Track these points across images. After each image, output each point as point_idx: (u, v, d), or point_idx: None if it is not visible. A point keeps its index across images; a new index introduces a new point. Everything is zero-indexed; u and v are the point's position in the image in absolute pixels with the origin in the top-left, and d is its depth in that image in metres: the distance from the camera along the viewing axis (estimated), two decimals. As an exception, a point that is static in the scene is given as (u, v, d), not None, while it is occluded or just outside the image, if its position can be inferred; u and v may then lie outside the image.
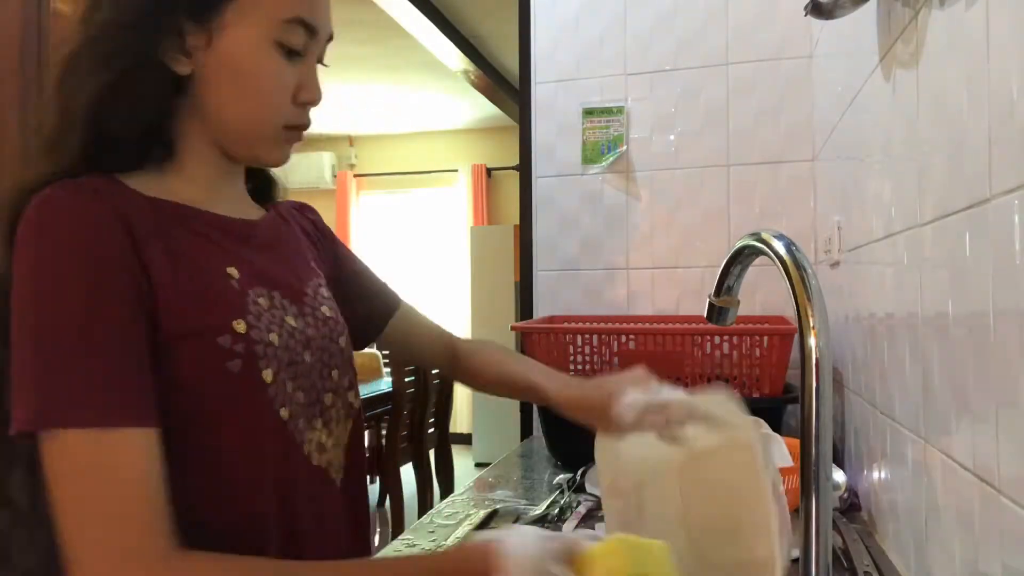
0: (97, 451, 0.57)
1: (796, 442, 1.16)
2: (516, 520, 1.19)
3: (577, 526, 1.17)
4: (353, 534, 0.81)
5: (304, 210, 0.91)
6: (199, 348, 0.65)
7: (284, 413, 0.70)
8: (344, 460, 0.80)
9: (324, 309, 0.80)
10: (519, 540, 0.58)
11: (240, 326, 0.68)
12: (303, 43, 0.71)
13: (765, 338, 1.46)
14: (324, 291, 0.83)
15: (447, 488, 4.14)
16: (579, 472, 1.35)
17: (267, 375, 0.69)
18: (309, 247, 0.87)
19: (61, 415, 0.58)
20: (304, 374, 0.74)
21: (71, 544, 0.57)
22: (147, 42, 0.67)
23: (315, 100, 0.74)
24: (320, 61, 0.76)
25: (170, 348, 0.64)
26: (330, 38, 0.76)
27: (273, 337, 0.70)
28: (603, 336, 1.57)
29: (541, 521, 1.20)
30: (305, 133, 0.76)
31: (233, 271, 0.71)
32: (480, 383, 1.02)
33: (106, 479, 0.57)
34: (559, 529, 1.17)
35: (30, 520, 0.69)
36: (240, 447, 0.68)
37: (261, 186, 0.86)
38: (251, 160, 0.77)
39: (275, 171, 0.87)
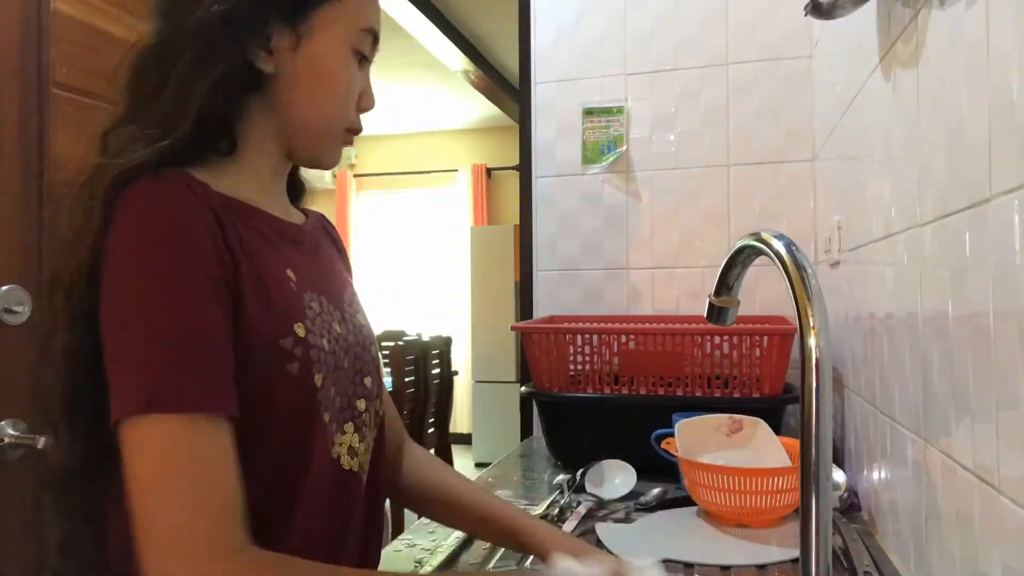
0: (189, 437, 0.58)
1: (796, 442, 1.17)
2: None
3: (576, 526, 1.17)
4: (369, 537, 0.82)
5: (329, 225, 0.92)
6: (265, 348, 0.66)
7: (327, 417, 0.72)
8: (370, 465, 0.81)
9: (359, 317, 0.82)
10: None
11: (300, 329, 0.69)
12: (370, 51, 0.76)
13: (765, 338, 1.46)
14: (357, 300, 0.85)
15: (447, 488, 4.13)
16: (579, 472, 1.34)
17: (318, 379, 0.70)
18: (341, 258, 0.89)
19: (163, 400, 0.58)
20: (342, 380, 0.75)
21: (150, 525, 0.57)
22: (243, 39, 0.69)
23: (373, 106, 0.78)
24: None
25: (239, 346, 0.64)
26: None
27: (324, 342, 0.72)
28: (603, 336, 1.57)
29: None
30: None
31: (291, 274, 0.72)
32: (422, 500, 0.94)
33: (197, 466, 0.58)
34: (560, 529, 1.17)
35: (96, 515, 0.69)
36: (286, 446, 0.68)
37: (293, 189, 0.87)
38: (310, 161, 0.79)
39: (306, 177, 0.89)
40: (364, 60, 0.76)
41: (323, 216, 0.92)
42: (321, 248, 0.83)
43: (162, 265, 0.61)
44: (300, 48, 0.71)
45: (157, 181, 0.64)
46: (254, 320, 0.65)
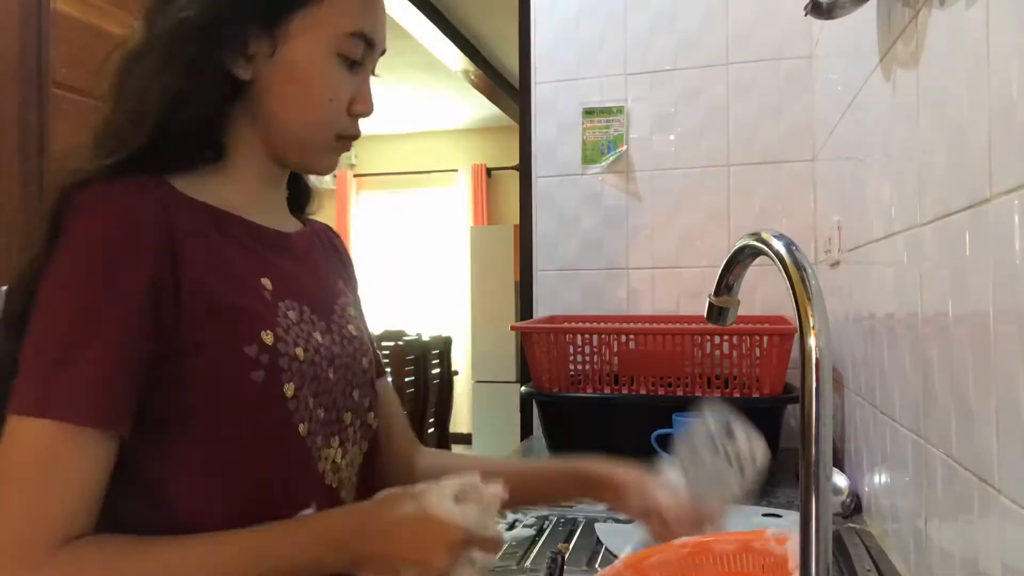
0: (45, 444, 0.57)
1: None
2: (512, 524, 1.19)
3: (581, 529, 1.17)
4: None
5: (333, 235, 0.91)
6: (225, 354, 0.65)
7: (303, 428, 0.69)
8: (357, 481, 0.79)
9: (350, 328, 0.80)
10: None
11: (268, 337, 0.67)
12: (362, 55, 0.73)
13: (765, 338, 1.46)
14: (351, 310, 0.82)
15: (447, 488, 4.13)
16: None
17: (288, 389, 0.68)
18: (339, 268, 0.87)
19: (33, 402, 0.58)
20: (327, 391, 0.73)
21: None
22: (217, 45, 0.68)
23: (369, 111, 0.75)
24: (372, 73, 0.78)
25: (194, 350, 0.63)
26: (383, 52, 0.78)
27: (299, 352, 0.70)
28: (603, 336, 1.57)
29: (542, 521, 1.20)
30: None
31: (266, 282, 0.70)
32: None
33: (40, 473, 0.57)
34: (567, 531, 1.17)
35: None
36: (252, 456, 0.67)
37: (298, 195, 0.85)
38: (301, 167, 0.78)
39: (312, 181, 0.87)
40: (355, 64, 0.73)
41: (329, 228, 0.90)
42: (312, 256, 0.81)
43: (88, 271, 0.60)
44: (277, 54, 0.69)
45: (108, 186, 0.64)
46: (213, 324, 0.64)
